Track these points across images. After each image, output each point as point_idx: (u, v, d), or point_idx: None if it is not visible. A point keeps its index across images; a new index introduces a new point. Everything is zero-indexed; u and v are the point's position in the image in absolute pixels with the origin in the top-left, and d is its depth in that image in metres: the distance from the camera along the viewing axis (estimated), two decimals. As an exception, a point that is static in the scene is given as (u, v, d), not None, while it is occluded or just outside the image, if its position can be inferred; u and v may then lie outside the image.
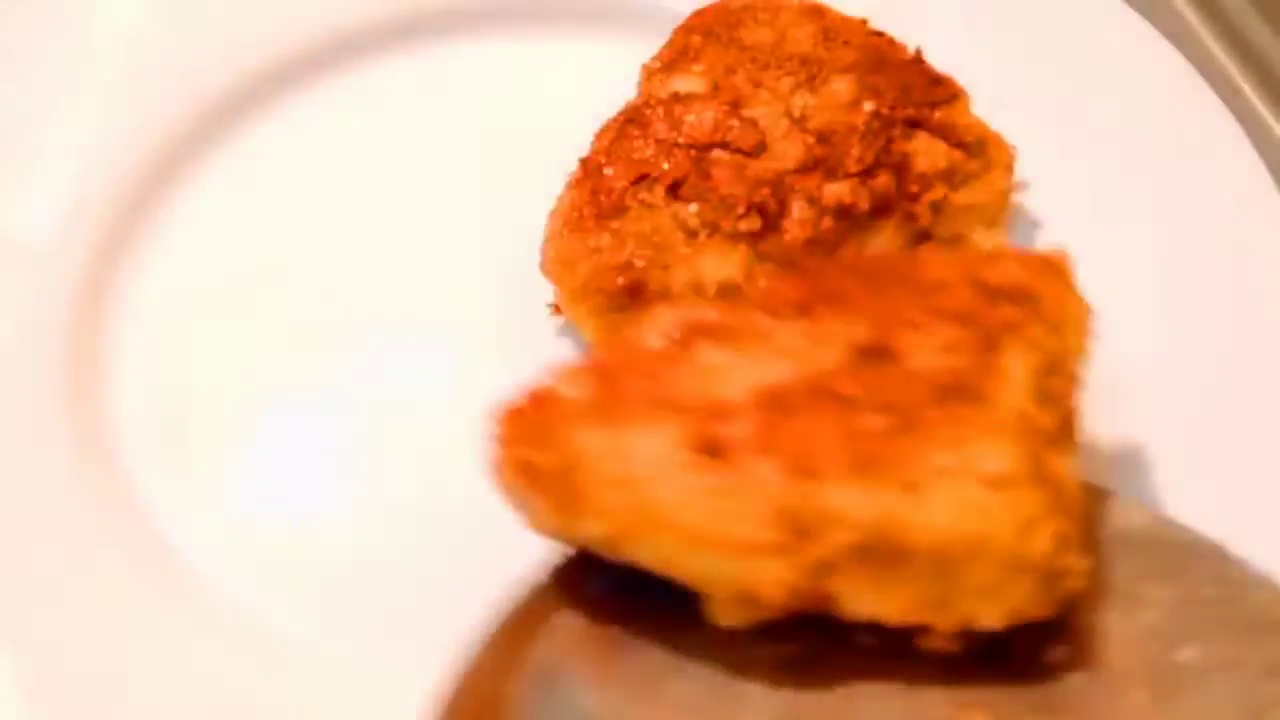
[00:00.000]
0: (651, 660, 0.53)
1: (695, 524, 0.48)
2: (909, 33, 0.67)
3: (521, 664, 0.53)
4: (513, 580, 0.54)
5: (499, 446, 0.52)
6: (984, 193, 0.64)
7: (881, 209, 0.62)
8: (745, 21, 0.68)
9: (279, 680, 0.59)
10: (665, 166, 0.62)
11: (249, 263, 0.71)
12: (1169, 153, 0.68)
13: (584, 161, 0.65)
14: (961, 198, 0.63)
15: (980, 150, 0.64)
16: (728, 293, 0.61)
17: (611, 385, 0.52)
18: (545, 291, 0.66)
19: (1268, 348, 0.62)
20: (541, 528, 0.54)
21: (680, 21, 0.70)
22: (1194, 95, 0.70)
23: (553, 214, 0.65)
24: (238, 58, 0.75)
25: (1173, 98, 0.70)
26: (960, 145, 0.63)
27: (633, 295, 0.61)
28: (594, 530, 0.51)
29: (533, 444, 0.51)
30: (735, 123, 0.64)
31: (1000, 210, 0.65)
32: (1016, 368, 0.48)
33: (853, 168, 0.62)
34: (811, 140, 0.63)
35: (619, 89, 0.72)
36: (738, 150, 0.63)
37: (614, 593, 0.53)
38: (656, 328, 0.54)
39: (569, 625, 0.54)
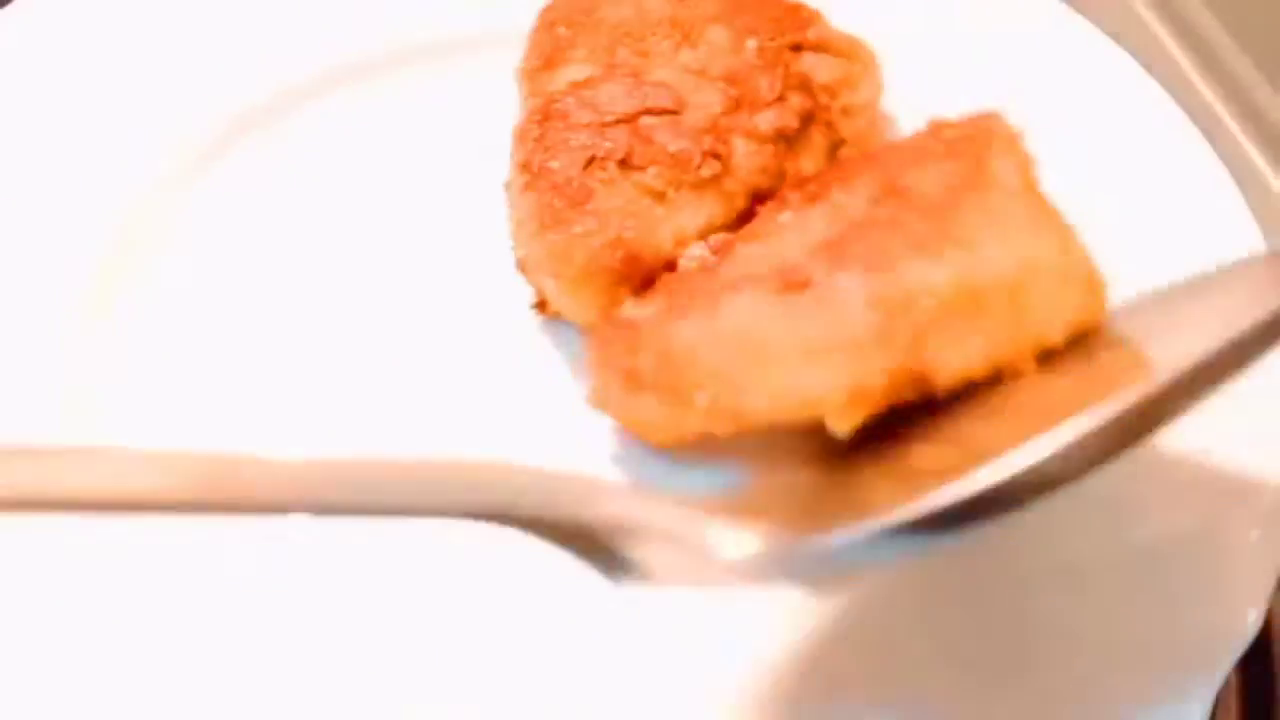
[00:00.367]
0: None
1: (800, 345, 0.54)
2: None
3: None
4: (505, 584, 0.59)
5: (597, 371, 0.56)
6: (872, 89, 0.70)
7: (807, 124, 0.67)
8: (599, 4, 0.72)
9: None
10: (607, 145, 0.65)
11: (220, 299, 0.70)
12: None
13: (524, 166, 0.66)
14: (859, 97, 0.69)
15: (855, 55, 0.70)
16: (713, 234, 0.65)
17: (676, 293, 0.58)
18: (512, 299, 0.68)
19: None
20: (653, 431, 0.58)
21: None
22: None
23: (519, 222, 0.66)
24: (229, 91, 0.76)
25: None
26: (840, 54, 0.70)
27: (632, 265, 0.63)
28: (705, 401, 0.56)
29: (627, 353, 0.55)
30: (647, 90, 0.67)
31: (878, 102, 0.72)
32: (1006, 172, 0.57)
33: (769, 97, 0.67)
34: (722, 85, 0.67)
35: (476, 109, 0.74)
36: (663, 112, 0.66)
37: None
38: (688, 255, 0.59)
39: None
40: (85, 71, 0.76)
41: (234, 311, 0.70)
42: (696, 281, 0.59)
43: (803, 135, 0.67)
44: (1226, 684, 0.64)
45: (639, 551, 0.49)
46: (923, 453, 0.52)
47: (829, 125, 0.68)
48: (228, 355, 0.68)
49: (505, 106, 0.72)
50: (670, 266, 0.64)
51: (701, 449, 0.58)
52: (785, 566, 0.48)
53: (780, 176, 0.66)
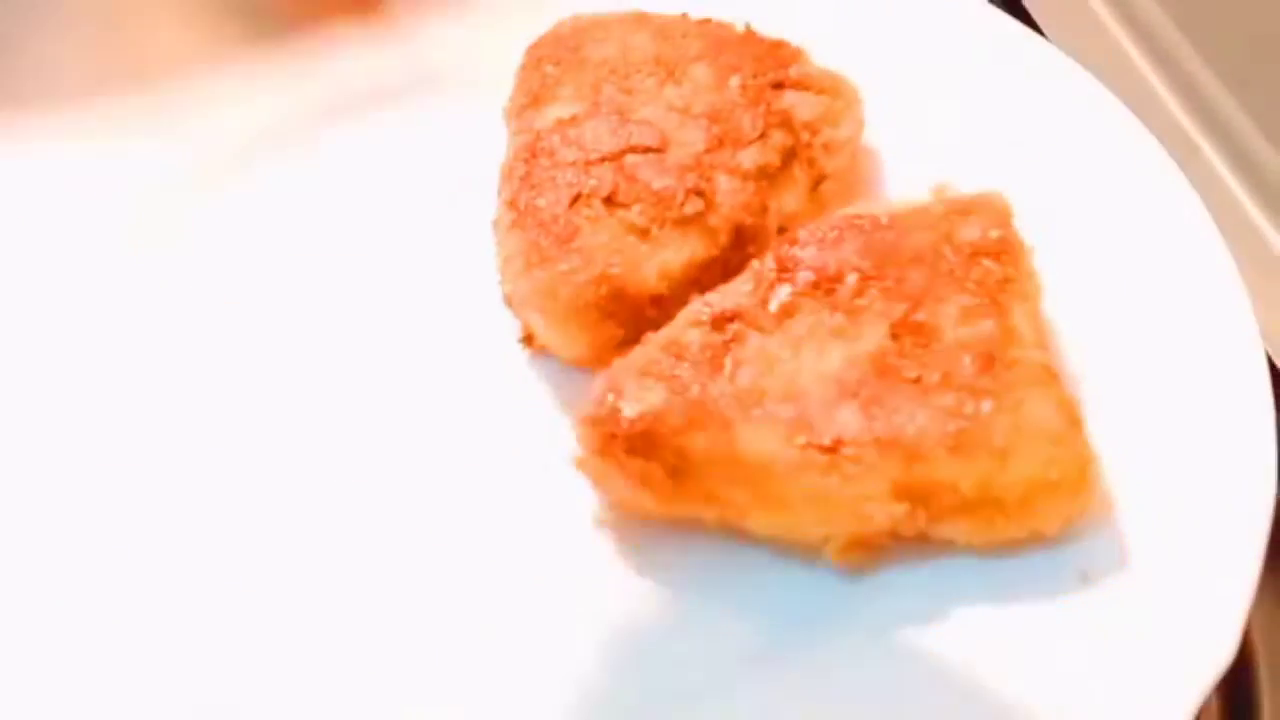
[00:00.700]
0: None
1: (817, 497, 0.57)
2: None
3: None
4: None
5: (594, 454, 0.57)
6: (853, 125, 0.71)
7: (789, 161, 0.68)
8: (584, 43, 0.73)
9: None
10: (592, 183, 0.66)
11: (215, 321, 0.72)
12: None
13: (511, 203, 0.67)
14: (840, 134, 0.71)
15: (836, 91, 0.72)
16: (697, 270, 0.66)
17: (681, 390, 0.59)
18: (500, 334, 0.69)
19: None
20: (641, 512, 0.60)
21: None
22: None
23: (506, 259, 0.67)
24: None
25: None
26: (822, 91, 0.71)
27: (617, 301, 0.64)
28: (709, 514, 0.57)
29: (629, 453, 0.56)
30: (632, 128, 0.68)
31: (860, 138, 0.73)
32: (1021, 322, 0.60)
33: (751, 134, 0.68)
34: (705, 123, 0.69)
35: (464, 146, 0.76)
36: (648, 150, 0.68)
37: None
38: (687, 321, 0.60)
39: None
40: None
41: (225, 344, 0.71)
42: (704, 380, 0.59)
43: (785, 172, 0.68)
44: (1207, 708, 0.65)
45: None
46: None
47: (811, 162, 0.69)
48: (217, 392, 0.69)
49: (493, 144, 0.73)
50: (656, 301, 0.65)
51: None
52: None
53: (763, 213, 0.67)
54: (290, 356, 0.70)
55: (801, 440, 0.57)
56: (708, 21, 0.74)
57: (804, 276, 0.62)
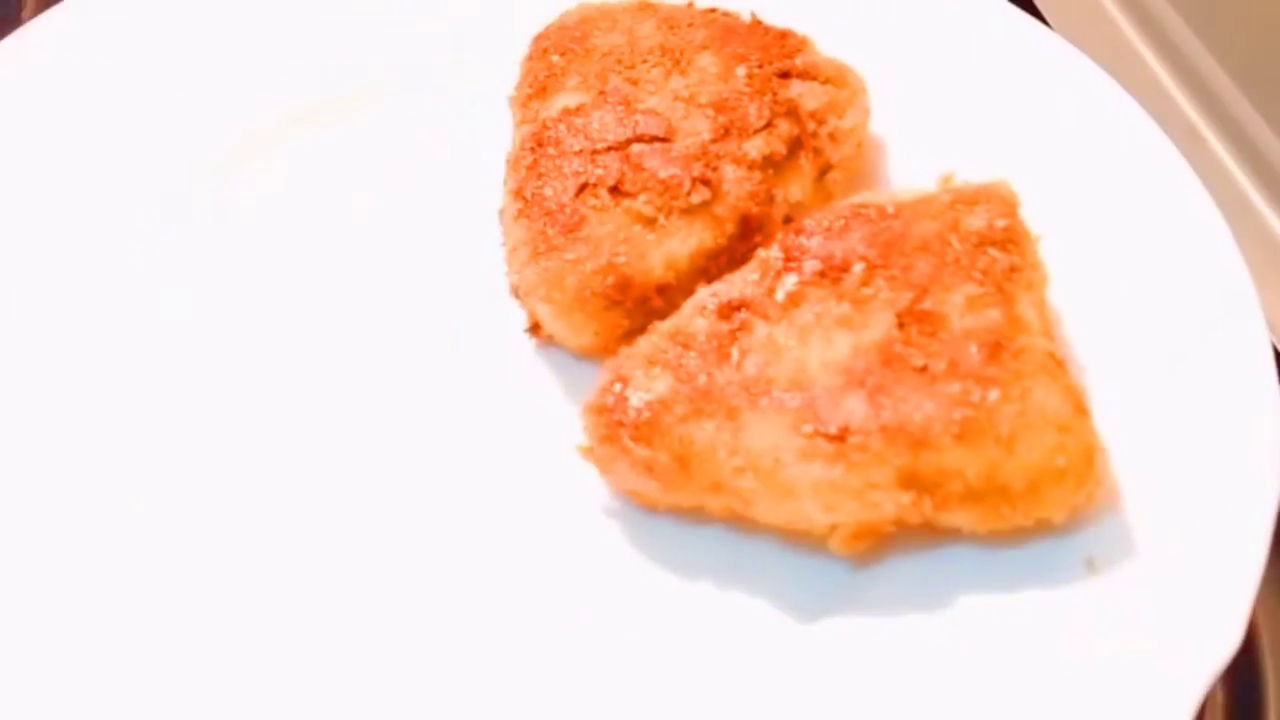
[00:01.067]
0: None
1: (823, 485, 0.57)
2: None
3: None
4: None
5: (601, 443, 0.57)
6: (859, 115, 0.71)
7: (795, 150, 0.68)
8: (590, 33, 0.73)
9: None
10: (599, 172, 0.66)
11: (227, 307, 0.72)
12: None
13: (517, 193, 0.67)
14: (846, 123, 0.71)
15: (842, 81, 0.72)
16: (704, 260, 0.66)
17: (687, 378, 0.58)
18: (507, 324, 0.69)
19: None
20: (647, 502, 0.60)
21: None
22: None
23: (512, 249, 0.67)
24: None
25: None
26: (828, 81, 0.71)
27: (624, 290, 0.64)
28: (715, 503, 0.57)
29: (637, 440, 0.56)
30: (638, 117, 0.68)
31: (866, 127, 0.73)
32: (1027, 311, 0.60)
33: (757, 124, 0.68)
34: (712, 113, 0.69)
35: (470, 136, 0.76)
36: (654, 139, 0.68)
37: None
38: (694, 310, 0.60)
39: None
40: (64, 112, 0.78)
41: (233, 334, 0.71)
42: (710, 369, 0.59)
43: (791, 161, 0.68)
44: (1212, 698, 0.65)
45: None
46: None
47: (817, 151, 0.69)
48: (225, 383, 0.69)
49: (498, 134, 0.73)
50: (663, 290, 0.65)
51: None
52: None
53: (770, 202, 0.67)
54: (297, 345, 0.70)
55: (808, 429, 0.57)
56: (713, 10, 0.74)
57: (811, 265, 0.62)
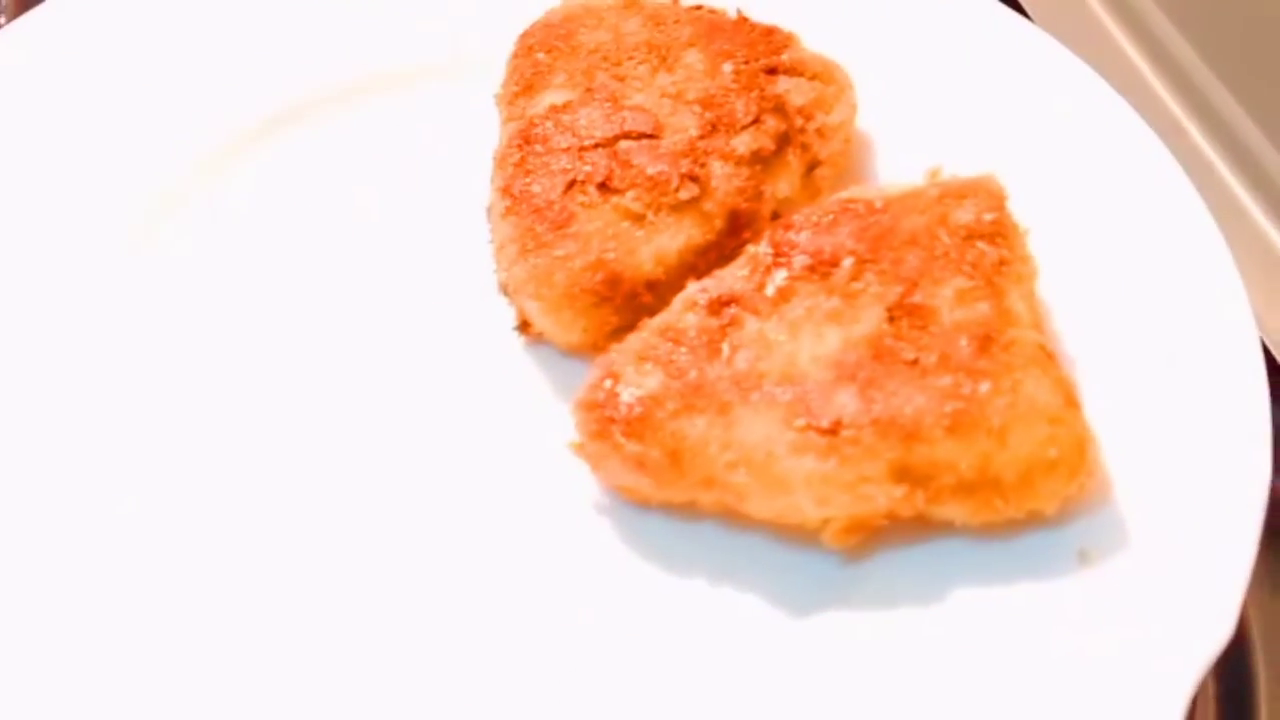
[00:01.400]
0: None
1: (815, 479, 0.57)
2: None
3: None
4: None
5: (592, 440, 0.57)
6: (846, 110, 0.71)
7: (782, 146, 0.68)
8: (576, 30, 0.73)
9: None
10: (587, 169, 0.66)
11: (214, 309, 0.71)
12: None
13: (505, 190, 0.67)
14: (833, 119, 0.71)
15: (829, 77, 0.72)
16: (693, 256, 0.66)
17: (678, 374, 0.58)
18: (496, 322, 0.69)
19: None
20: (639, 498, 0.60)
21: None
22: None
23: (500, 246, 0.67)
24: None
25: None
26: (814, 77, 0.71)
27: (613, 286, 0.64)
28: (707, 499, 0.57)
29: (629, 435, 0.56)
30: (626, 114, 0.68)
31: (853, 123, 0.73)
32: (1017, 303, 0.60)
33: (745, 120, 0.68)
34: (699, 109, 0.69)
35: (454, 134, 0.75)
36: (642, 136, 0.68)
37: None
38: (684, 306, 0.60)
39: None
40: (64, 99, 0.77)
41: (222, 333, 0.70)
42: (701, 365, 0.59)
43: (779, 157, 0.68)
44: (1203, 690, 0.65)
45: None
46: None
47: (804, 147, 0.69)
48: (214, 380, 0.69)
49: (485, 132, 0.72)
50: (652, 287, 0.65)
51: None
52: None
53: (758, 198, 0.67)
54: (284, 345, 0.70)
55: (800, 422, 0.57)
56: (699, 8, 0.74)
57: (800, 260, 0.62)
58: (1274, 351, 0.71)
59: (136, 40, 0.80)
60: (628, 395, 0.59)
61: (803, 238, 0.62)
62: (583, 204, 0.65)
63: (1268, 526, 0.59)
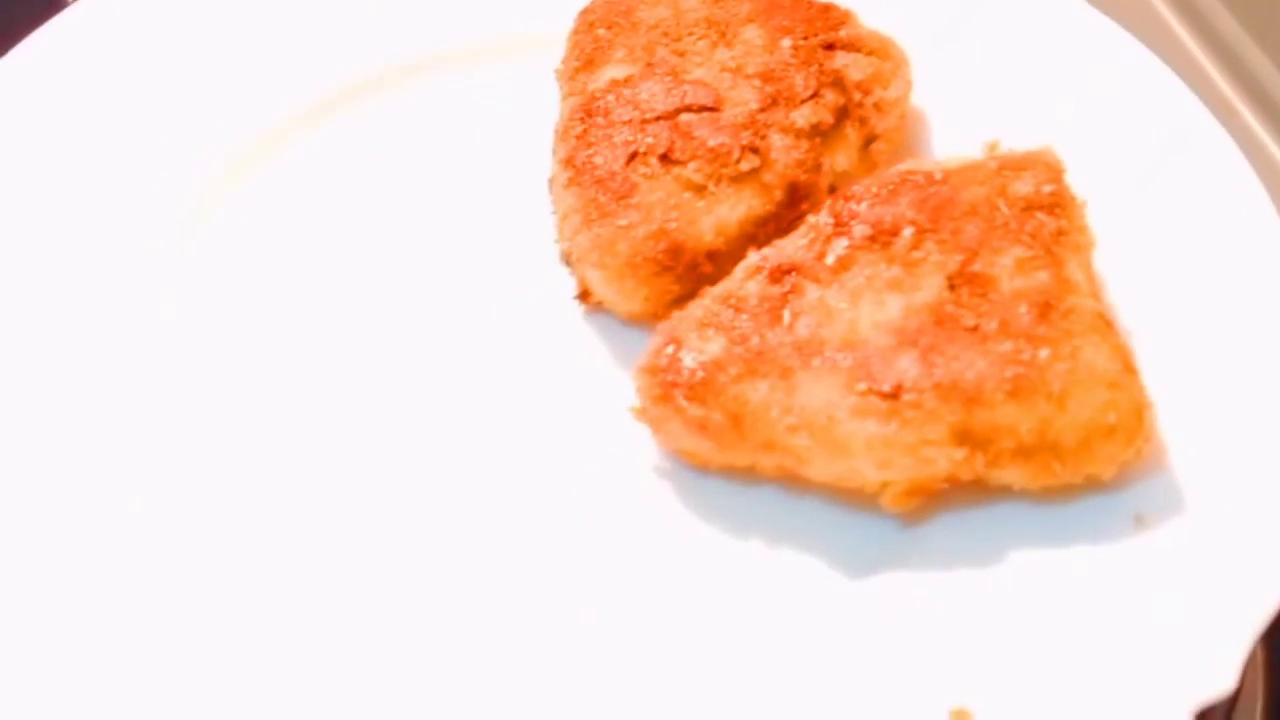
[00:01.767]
0: None
1: (876, 442, 0.58)
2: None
3: None
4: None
5: (654, 404, 0.58)
6: (903, 86, 0.72)
7: (841, 120, 0.70)
8: (636, 6, 0.74)
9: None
10: (649, 141, 0.67)
11: (281, 283, 0.73)
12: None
13: (568, 161, 0.68)
14: (890, 94, 0.72)
15: (886, 53, 0.73)
16: (753, 226, 0.67)
17: (740, 340, 0.59)
18: (557, 291, 0.70)
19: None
20: (698, 461, 0.62)
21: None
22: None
23: (564, 216, 0.68)
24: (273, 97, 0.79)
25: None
26: (871, 53, 0.72)
27: (674, 256, 0.66)
28: (768, 462, 0.58)
29: (692, 399, 0.57)
30: (686, 88, 0.70)
31: (909, 98, 0.74)
32: (1076, 273, 0.61)
33: (804, 94, 0.69)
34: (759, 83, 0.70)
35: (514, 109, 0.77)
36: (702, 109, 0.69)
37: None
38: (745, 274, 0.61)
39: None
40: (137, 74, 0.79)
41: (290, 299, 0.72)
42: (763, 331, 0.61)
43: (837, 131, 0.70)
44: (1252, 660, 0.66)
45: None
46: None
47: (862, 121, 0.70)
48: (281, 344, 0.70)
49: (545, 106, 0.74)
50: (713, 257, 0.66)
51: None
52: None
53: (817, 170, 0.68)
54: (352, 315, 0.71)
55: (862, 386, 0.58)
56: (756, -17, 0.75)
57: (860, 230, 0.63)
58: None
59: (190, 24, 0.81)
60: (690, 360, 0.60)
61: (863, 208, 0.63)
62: (645, 175, 0.67)
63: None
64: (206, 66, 0.79)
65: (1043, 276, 0.60)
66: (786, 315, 0.61)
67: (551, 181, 0.71)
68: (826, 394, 0.58)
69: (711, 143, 0.67)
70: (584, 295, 0.69)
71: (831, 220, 0.63)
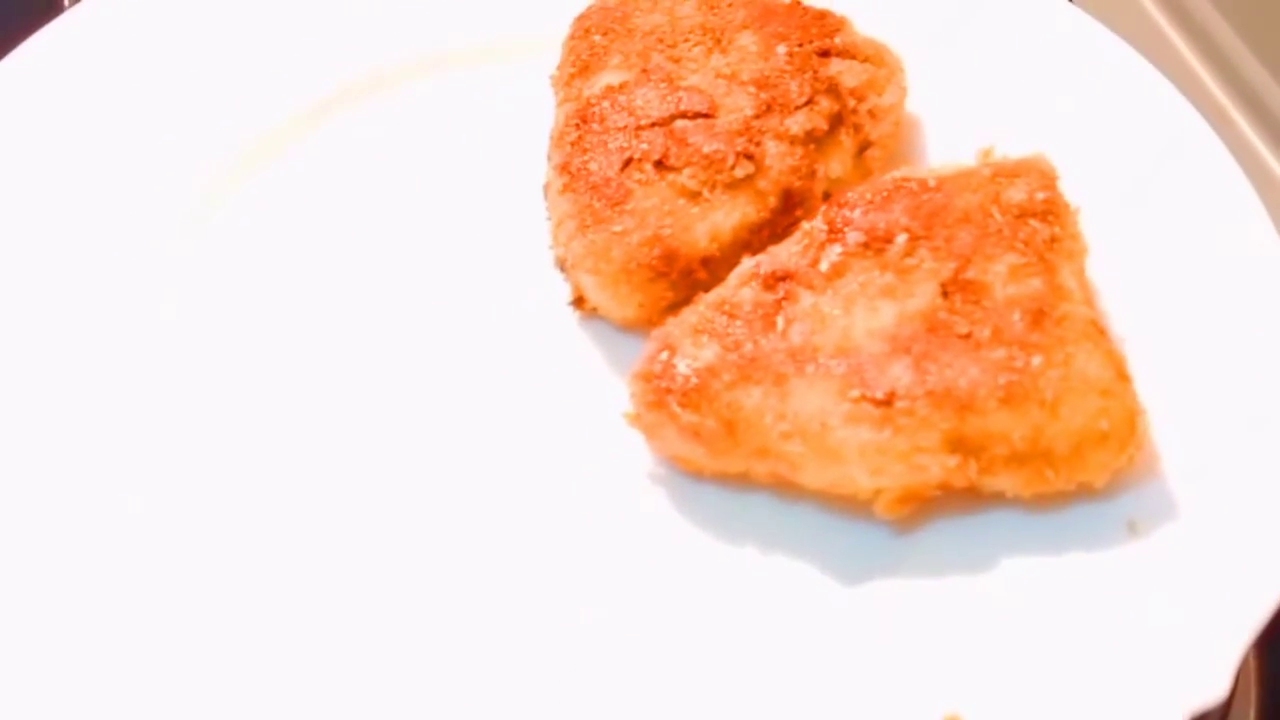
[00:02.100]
0: None
1: (869, 449, 0.58)
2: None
3: None
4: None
5: (647, 409, 0.58)
6: (897, 92, 0.73)
7: (835, 126, 0.70)
8: (631, 13, 0.74)
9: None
10: (644, 147, 0.67)
11: (279, 286, 0.73)
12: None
13: (563, 167, 0.68)
14: (885, 101, 0.72)
15: (880, 60, 0.73)
16: (747, 233, 0.67)
17: (734, 347, 0.60)
18: (551, 297, 0.70)
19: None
20: (692, 467, 0.62)
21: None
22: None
23: (558, 222, 0.68)
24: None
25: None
26: (866, 59, 0.72)
27: (669, 262, 0.66)
28: (761, 469, 0.58)
29: (685, 405, 0.58)
30: (681, 94, 0.70)
31: (904, 105, 0.74)
32: (1069, 280, 0.61)
33: (799, 100, 0.69)
34: (754, 89, 0.70)
35: (509, 114, 0.77)
36: (697, 115, 0.69)
37: None
38: (739, 280, 0.61)
39: None
40: (140, 74, 0.79)
41: (286, 303, 0.72)
42: (757, 337, 0.61)
43: (832, 137, 0.70)
44: (1245, 667, 0.66)
45: None
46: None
47: (857, 128, 0.70)
48: (277, 348, 0.70)
49: (540, 112, 0.74)
50: (707, 264, 0.66)
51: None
52: None
53: (811, 177, 0.69)
54: (345, 320, 0.71)
55: (855, 393, 0.58)
56: (752, -10, 0.75)
57: (854, 237, 0.63)
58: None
59: (184, 33, 0.81)
60: (684, 366, 0.61)
61: (857, 214, 0.63)
62: (639, 181, 0.67)
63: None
64: (201, 73, 0.79)
65: (1036, 284, 0.60)
66: (780, 322, 0.61)
67: (546, 187, 0.71)
68: (820, 401, 0.58)
69: (706, 149, 0.67)
70: (578, 301, 0.69)
71: (825, 227, 0.63)
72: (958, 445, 0.58)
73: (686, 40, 0.72)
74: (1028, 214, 0.62)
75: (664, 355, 0.61)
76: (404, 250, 0.74)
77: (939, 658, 0.59)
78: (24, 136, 0.75)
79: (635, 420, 0.63)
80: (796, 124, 0.69)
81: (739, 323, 0.61)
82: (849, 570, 0.62)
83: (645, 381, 0.61)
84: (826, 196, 0.69)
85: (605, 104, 0.70)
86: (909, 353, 0.59)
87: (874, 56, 0.73)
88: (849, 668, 0.59)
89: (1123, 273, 0.68)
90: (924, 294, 0.60)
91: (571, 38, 0.75)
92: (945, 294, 0.60)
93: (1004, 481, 0.59)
